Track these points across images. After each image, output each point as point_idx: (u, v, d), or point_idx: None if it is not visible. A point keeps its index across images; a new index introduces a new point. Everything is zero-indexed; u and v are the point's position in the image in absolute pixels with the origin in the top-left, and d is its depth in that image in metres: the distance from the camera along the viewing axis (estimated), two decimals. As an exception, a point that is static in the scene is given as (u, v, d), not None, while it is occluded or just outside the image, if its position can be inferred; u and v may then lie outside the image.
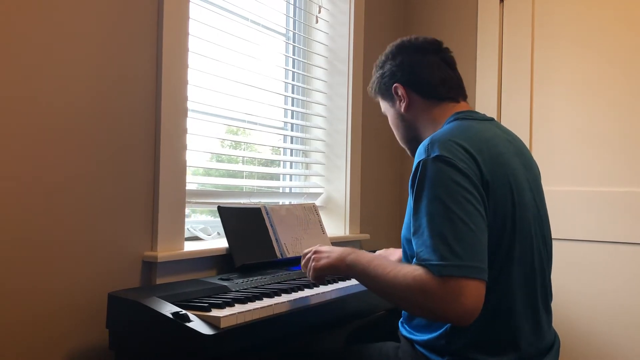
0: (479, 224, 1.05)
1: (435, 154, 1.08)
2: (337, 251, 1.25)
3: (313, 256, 1.30)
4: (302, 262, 1.34)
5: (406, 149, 1.42)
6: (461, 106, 1.33)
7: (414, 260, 1.06)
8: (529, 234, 1.17)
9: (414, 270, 1.04)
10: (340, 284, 1.52)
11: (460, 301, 0.98)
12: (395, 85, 1.33)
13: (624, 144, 2.16)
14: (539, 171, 1.33)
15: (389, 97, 1.37)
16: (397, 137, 1.42)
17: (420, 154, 1.13)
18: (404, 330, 1.27)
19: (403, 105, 1.33)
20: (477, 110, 2.46)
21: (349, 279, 1.60)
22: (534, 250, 1.18)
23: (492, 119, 1.33)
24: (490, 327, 1.13)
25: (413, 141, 1.33)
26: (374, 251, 2.26)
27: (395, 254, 1.57)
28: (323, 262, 1.25)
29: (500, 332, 1.14)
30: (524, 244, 1.15)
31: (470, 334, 1.12)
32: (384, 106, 1.42)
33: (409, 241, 1.16)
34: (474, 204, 1.05)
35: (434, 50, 1.35)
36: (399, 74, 1.33)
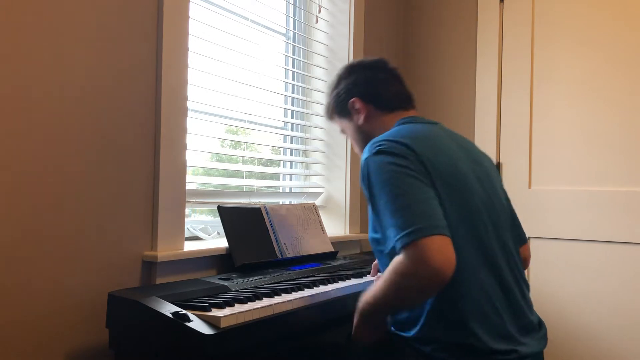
0: (425, 192, 1.13)
1: (375, 149, 1.20)
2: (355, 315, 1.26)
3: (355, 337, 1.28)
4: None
5: None
6: (408, 113, 1.43)
7: (388, 248, 1.14)
8: (479, 220, 1.22)
9: (388, 267, 1.11)
10: (340, 284, 1.53)
11: (428, 259, 1.03)
12: (352, 100, 1.44)
13: (624, 143, 2.16)
14: (492, 166, 1.40)
15: (347, 113, 1.47)
16: (358, 150, 1.49)
17: (364, 154, 1.24)
18: (394, 329, 1.29)
19: (362, 117, 1.43)
20: (476, 109, 2.48)
21: (349, 279, 1.60)
22: (489, 235, 1.23)
23: (436, 123, 1.40)
24: (450, 312, 1.17)
25: None
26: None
27: None
28: (357, 333, 1.24)
29: (461, 313, 1.16)
30: (472, 227, 1.20)
31: (440, 320, 1.17)
32: (343, 124, 1.51)
33: (374, 240, 1.28)
34: (415, 177, 1.15)
35: (382, 68, 1.48)
36: (355, 89, 1.45)
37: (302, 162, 2.33)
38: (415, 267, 1.05)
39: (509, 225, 1.33)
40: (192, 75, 1.65)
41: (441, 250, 1.05)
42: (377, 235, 1.25)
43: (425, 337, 1.19)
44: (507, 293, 1.22)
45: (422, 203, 1.11)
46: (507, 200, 1.41)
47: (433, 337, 1.18)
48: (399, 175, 1.15)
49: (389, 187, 1.14)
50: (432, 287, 1.07)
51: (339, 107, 1.49)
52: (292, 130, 2.28)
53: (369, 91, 1.44)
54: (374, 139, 1.25)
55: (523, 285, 1.29)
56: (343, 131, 1.54)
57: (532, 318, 1.27)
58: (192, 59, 1.64)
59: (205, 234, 1.82)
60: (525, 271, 2.27)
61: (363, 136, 1.44)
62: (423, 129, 1.31)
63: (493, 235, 1.24)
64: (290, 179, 2.29)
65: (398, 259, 1.08)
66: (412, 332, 1.22)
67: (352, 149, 2.28)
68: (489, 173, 1.34)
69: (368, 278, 1.62)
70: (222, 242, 1.69)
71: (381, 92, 1.43)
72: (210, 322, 1.09)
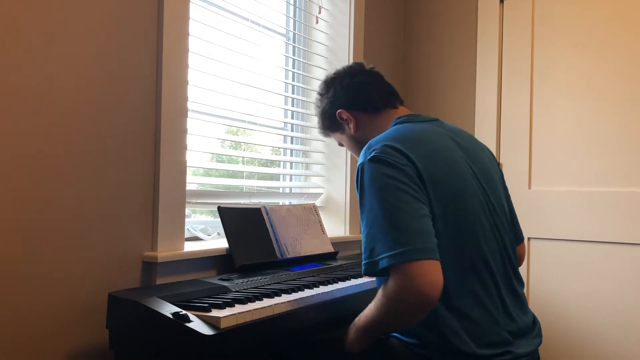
0: (418, 209, 1.11)
1: (370, 155, 1.17)
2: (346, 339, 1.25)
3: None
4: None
5: None
6: (400, 111, 1.42)
7: (363, 260, 1.12)
8: (479, 220, 1.21)
9: (379, 292, 1.13)
10: (340, 284, 1.53)
11: (416, 283, 1.03)
12: (338, 111, 1.45)
13: (623, 143, 2.16)
14: (493, 162, 1.38)
15: (338, 126, 1.49)
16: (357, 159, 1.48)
17: (360, 158, 1.22)
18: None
19: (352, 126, 1.44)
20: (476, 109, 2.47)
21: (349, 279, 1.60)
22: (488, 235, 1.21)
23: (434, 120, 1.37)
24: (457, 312, 1.16)
25: None
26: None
27: None
28: (349, 348, 1.24)
29: (468, 314, 1.16)
30: (473, 229, 1.19)
31: (432, 328, 1.16)
32: (338, 137, 1.53)
33: None
34: (410, 193, 1.12)
35: (359, 71, 1.48)
36: (337, 102, 1.46)
37: (302, 163, 2.33)
38: (402, 292, 1.05)
39: (508, 224, 1.32)
40: (192, 76, 1.65)
41: (433, 275, 1.04)
42: None
43: (419, 342, 1.19)
44: (501, 296, 1.21)
45: (413, 221, 1.09)
46: (508, 197, 1.39)
47: (427, 342, 1.18)
48: (393, 188, 1.12)
49: (381, 200, 1.11)
50: (419, 311, 1.07)
51: (328, 123, 1.51)
52: (292, 130, 2.28)
53: (351, 99, 1.44)
54: (371, 142, 1.23)
55: (517, 285, 1.28)
56: (341, 144, 1.56)
57: (526, 318, 1.26)
58: (192, 60, 1.64)
59: (205, 234, 1.82)
60: (525, 271, 2.29)
61: (359, 144, 1.43)
62: (421, 130, 1.28)
63: (491, 237, 1.23)
64: (290, 180, 2.29)
65: (387, 283, 1.08)
66: (407, 337, 1.22)
67: (352, 149, 2.28)
68: (489, 171, 1.32)
69: (366, 279, 1.62)
70: (222, 243, 1.69)
71: (363, 95, 1.43)
72: (210, 322, 1.09)
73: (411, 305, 1.05)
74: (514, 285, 1.27)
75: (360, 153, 1.42)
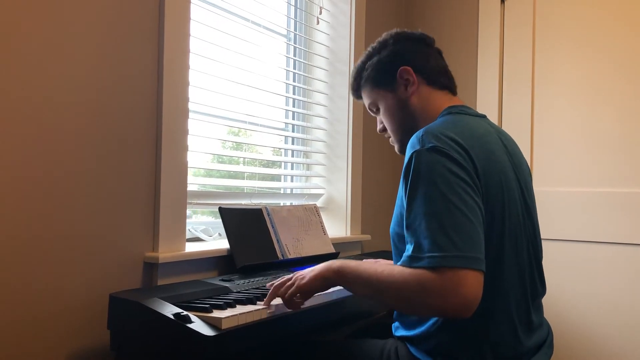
0: (476, 215, 1.03)
1: (430, 145, 1.06)
2: (320, 265, 1.19)
3: (296, 275, 1.21)
4: (282, 289, 1.21)
5: (398, 143, 1.36)
6: (455, 100, 1.32)
7: (407, 251, 1.03)
8: (519, 233, 1.15)
9: (409, 266, 1.02)
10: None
11: (460, 292, 0.96)
12: (402, 68, 1.28)
13: (624, 144, 2.16)
14: (529, 170, 1.31)
15: (388, 83, 1.31)
16: (392, 129, 1.35)
17: (413, 145, 1.10)
18: (396, 332, 1.27)
19: (410, 89, 1.28)
20: (477, 110, 2.47)
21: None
22: (523, 249, 1.17)
23: (484, 116, 1.30)
24: (484, 326, 1.11)
25: (409, 133, 1.21)
26: (371, 253, 2.26)
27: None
28: (308, 277, 1.18)
29: (494, 331, 1.12)
30: (513, 243, 1.14)
31: (462, 333, 1.11)
32: (377, 95, 1.34)
33: (400, 237, 1.14)
34: (471, 195, 1.04)
35: (431, 43, 1.36)
36: (405, 57, 1.30)
37: (303, 164, 2.33)
38: (445, 293, 0.96)
39: (540, 239, 1.27)
40: (193, 77, 1.65)
41: (477, 288, 0.98)
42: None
43: (435, 351, 1.15)
44: (528, 313, 1.17)
45: (469, 226, 1.00)
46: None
47: (444, 352, 1.14)
48: (452, 185, 1.02)
49: (437, 195, 1.02)
50: (445, 314, 1.01)
51: (379, 76, 1.32)
52: (293, 131, 2.28)
53: (421, 62, 1.29)
54: (428, 129, 1.11)
55: (540, 295, 1.24)
56: (373, 105, 1.37)
57: (542, 332, 1.23)
58: (193, 60, 1.65)
59: (206, 235, 1.82)
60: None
61: (405, 112, 1.30)
62: (478, 126, 1.19)
63: (526, 251, 1.17)
64: (292, 180, 2.29)
65: (426, 272, 0.98)
66: (424, 345, 1.17)
67: (353, 149, 2.28)
68: (527, 180, 1.25)
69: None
70: (223, 244, 1.69)
71: (432, 65, 1.30)
72: (211, 323, 1.09)
73: (448, 308, 0.97)
74: (537, 297, 1.23)
75: (399, 123, 1.33)
